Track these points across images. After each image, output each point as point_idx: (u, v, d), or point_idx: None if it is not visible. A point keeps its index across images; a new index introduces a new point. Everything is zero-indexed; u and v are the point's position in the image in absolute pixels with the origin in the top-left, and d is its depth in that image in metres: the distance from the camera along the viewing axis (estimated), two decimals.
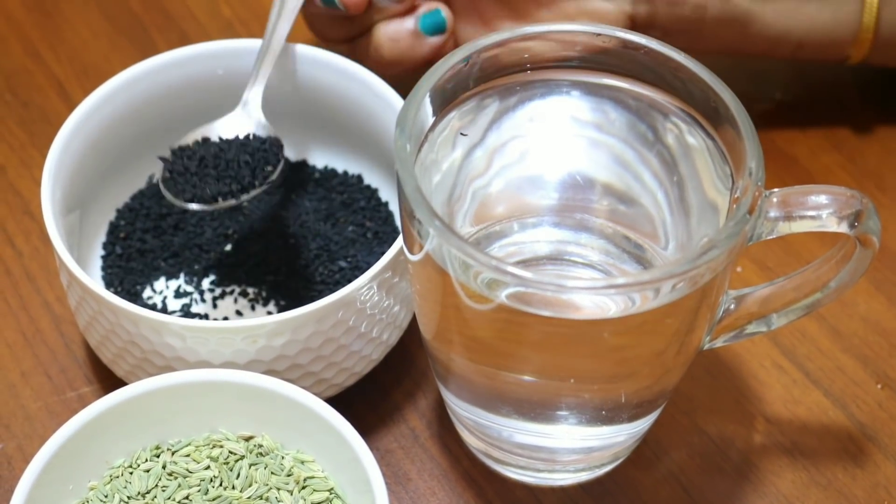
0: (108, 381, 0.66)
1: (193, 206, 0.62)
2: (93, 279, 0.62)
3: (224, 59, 0.68)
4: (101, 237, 0.69)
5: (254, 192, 0.63)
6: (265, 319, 0.59)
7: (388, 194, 0.70)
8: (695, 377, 0.66)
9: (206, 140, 0.64)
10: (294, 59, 0.68)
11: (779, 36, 0.71)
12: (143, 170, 0.70)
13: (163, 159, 0.64)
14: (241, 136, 0.64)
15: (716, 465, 0.64)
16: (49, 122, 0.76)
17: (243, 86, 0.67)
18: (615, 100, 0.60)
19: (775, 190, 0.56)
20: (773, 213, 0.55)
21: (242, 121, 0.65)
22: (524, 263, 0.62)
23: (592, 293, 0.54)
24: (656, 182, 0.61)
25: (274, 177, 0.63)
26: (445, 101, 0.58)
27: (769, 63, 0.78)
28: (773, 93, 0.77)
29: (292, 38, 0.67)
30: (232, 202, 0.62)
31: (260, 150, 0.64)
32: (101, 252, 0.68)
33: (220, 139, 0.64)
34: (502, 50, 0.58)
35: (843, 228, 0.55)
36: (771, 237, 0.56)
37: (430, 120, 0.58)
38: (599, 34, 0.58)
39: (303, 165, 0.71)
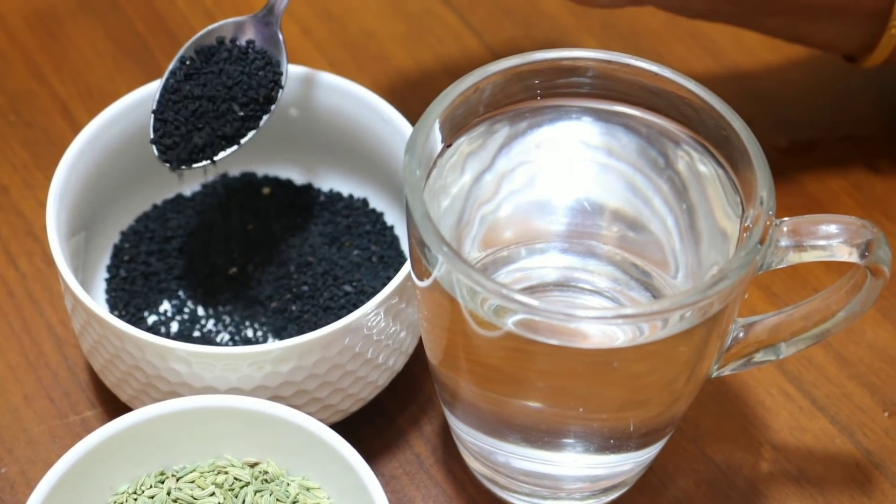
0: (112, 404, 0.66)
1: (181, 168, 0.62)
2: (97, 302, 0.61)
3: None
4: (106, 260, 0.68)
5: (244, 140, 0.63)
6: (272, 346, 0.59)
7: (393, 218, 0.69)
8: (701, 404, 0.66)
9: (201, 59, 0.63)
10: (301, 82, 0.68)
11: None
12: (148, 192, 0.70)
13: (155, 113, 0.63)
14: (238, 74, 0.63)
15: (723, 494, 0.64)
16: (53, 143, 0.75)
17: None
18: (626, 126, 0.60)
19: (785, 219, 0.55)
20: (783, 243, 0.55)
21: (260, 31, 0.64)
22: (532, 290, 0.62)
23: (601, 322, 0.54)
24: (666, 208, 0.60)
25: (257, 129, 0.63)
26: (455, 128, 0.58)
27: (780, 88, 0.78)
28: (781, 117, 0.77)
29: (301, 62, 0.67)
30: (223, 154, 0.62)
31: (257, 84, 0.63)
32: (106, 275, 0.68)
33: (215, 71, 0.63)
34: (512, 76, 0.58)
35: (854, 258, 0.55)
36: (781, 266, 0.56)
37: (440, 146, 0.57)
38: (609, 61, 0.58)
39: (308, 189, 0.70)
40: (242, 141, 0.63)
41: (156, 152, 0.62)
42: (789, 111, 0.77)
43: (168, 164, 0.62)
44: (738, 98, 0.57)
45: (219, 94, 0.62)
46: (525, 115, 0.59)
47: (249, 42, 0.64)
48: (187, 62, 0.63)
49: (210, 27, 0.64)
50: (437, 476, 0.64)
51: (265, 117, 0.63)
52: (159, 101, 0.63)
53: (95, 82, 0.78)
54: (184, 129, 0.62)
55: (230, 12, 0.81)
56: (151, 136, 0.62)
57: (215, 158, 0.62)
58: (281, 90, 0.63)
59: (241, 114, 0.62)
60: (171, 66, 0.63)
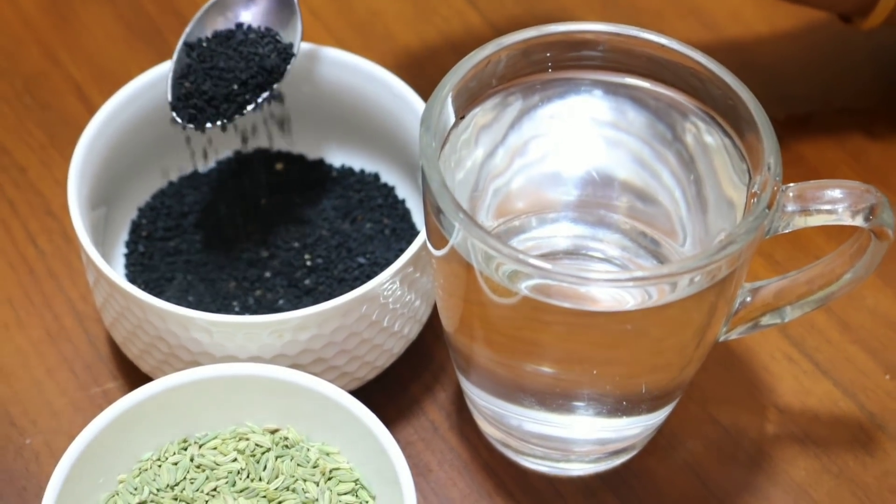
0: (133, 376, 0.66)
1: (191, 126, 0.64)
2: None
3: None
4: (124, 235, 0.69)
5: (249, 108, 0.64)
6: (291, 314, 0.59)
7: (404, 192, 0.70)
8: (708, 369, 0.67)
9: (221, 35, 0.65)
10: (313, 60, 0.68)
11: None
12: (164, 169, 0.70)
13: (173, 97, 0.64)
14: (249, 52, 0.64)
15: (730, 455, 0.65)
16: (68, 124, 0.76)
17: None
18: (634, 99, 0.60)
19: (791, 185, 0.56)
20: (790, 208, 0.56)
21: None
22: (543, 258, 0.62)
23: (613, 285, 0.54)
24: (674, 180, 0.61)
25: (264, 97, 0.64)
26: (468, 100, 0.58)
27: (778, 63, 0.78)
28: (779, 91, 0.78)
29: (310, 39, 0.68)
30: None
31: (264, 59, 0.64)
32: (124, 250, 0.68)
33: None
34: (524, 49, 0.58)
35: (859, 222, 0.56)
36: (787, 231, 0.57)
37: (453, 118, 0.58)
38: (619, 34, 0.58)
39: (320, 164, 0.71)
40: (249, 108, 0.64)
41: (174, 115, 0.63)
42: (787, 85, 0.78)
43: (184, 125, 0.63)
44: (737, 72, 0.58)
45: (235, 66, 0.63)
46: (536, 87, 0.60)
47: (267, 28, 0.65)
48: (204, 43, 0.64)
49: None
50: (451, 441, 0.65)
51: (275, 85, 0.64)
52: (177, 69, 0.64)
53: (108, 64, 0.79)
54: (202, 94, 0.63)
55: None
56: (169, 98, 0.63)
57: (226, 121, 0.64)
58: (294, 57, 0.64)
59: (253, 81, 0.64)
60: (186, 36, 0.65)
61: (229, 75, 0.63)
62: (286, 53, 0.65)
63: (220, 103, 0.63)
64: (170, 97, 0.64)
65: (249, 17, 0.66)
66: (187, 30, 0.65)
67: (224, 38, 0.65)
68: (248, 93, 0.64)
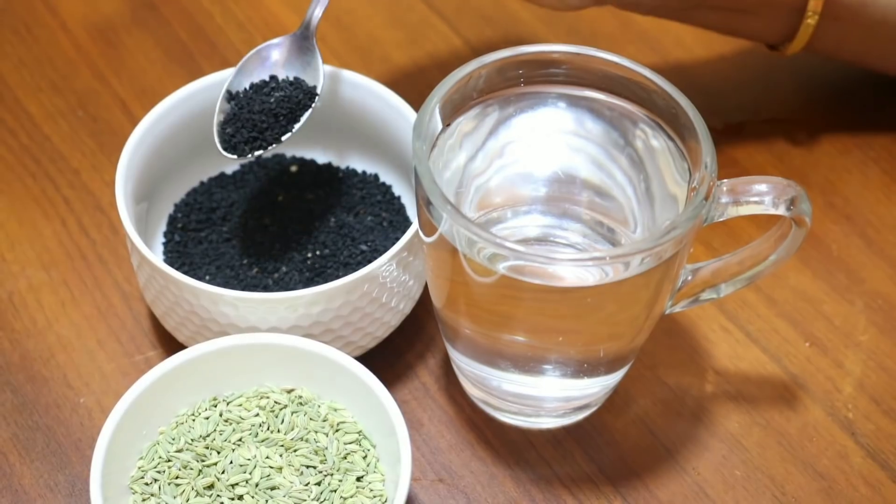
0: (170, 345, 0.66)
1: (230, 156, 0.64)
2: None
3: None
4: (162, 227, 0.69)
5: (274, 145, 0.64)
6: (305, 291, 0.60)
7: (400, 189, 0.70)
8: (656, 338, 0.67)
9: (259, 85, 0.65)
10: (323, 78, 0.68)
11: None
12: (196, 171, 0.70)
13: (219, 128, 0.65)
14: (277, 94, 0.65)
15: (675, 411, 0.65)
16: (115, 133, 0.76)
17: None
18: (592, 110, 0.60)
19: (725, 180, 0.57)
20: (724, 199, 0.56)
21: (298, 44, 0.66)
22: (517, 243, 0.63)
23: (575, 265, 0.55)
24: (626, 178, 0.62)
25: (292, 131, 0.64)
26: (454, 110, 0.59)
27: (715, 81, 0.79)
28: (716, 104, 0.78)
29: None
30: (260, 152, 0.64)
31: (290, 102, 0.64)
32: (163, 240, 0.69)
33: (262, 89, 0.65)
34: (500, 66, 0.58)
35: (781, 211, 0.56)
36: (721, 219, 0.57)
37: (440, 126, 0.58)
38: (580, 54, 0.59)
39: (328, 166, 0.71)
40: (283, 138, 0.64)
41: (221, 150, 0.64)
42: (722, 99, 0.78)
43: (231, 155, 0.64)
44: (680, 89, 0.58)
45: (268, 109, 0.64)
46: (511, 99, 0.60)
47: (295, 77, 0.66)
48: (241, 95, 0.65)
49: (259, 47, 0.66)
50: (440, 400, 0.65)
51: (297, 125, 0.65)
52: (222, 113, 0.65)
53: (148, 83, 0.79)
54: (242, 136, 0.64)
55: (260, 25, 0.81)
56: (217, 141, 0.64)
57: (263, 152, 0.64)
58: (317, 98, 0.65)
59: (283, 118, 0.64)
60: (228, 85, 0.65)
61: (264, 118, 0.64)
62: (311, 94, 0.65)
63: (257, 138, 0.64)
64: (216, 138, 0.64)
65: (281, 66, 0.66)
66: (228, 80, 0.65)
67: (259, 88, 0.65)
68: (279, 127, 0.64)
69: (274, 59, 0.66)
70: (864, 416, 0.64)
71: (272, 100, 0.64)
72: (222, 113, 0.65)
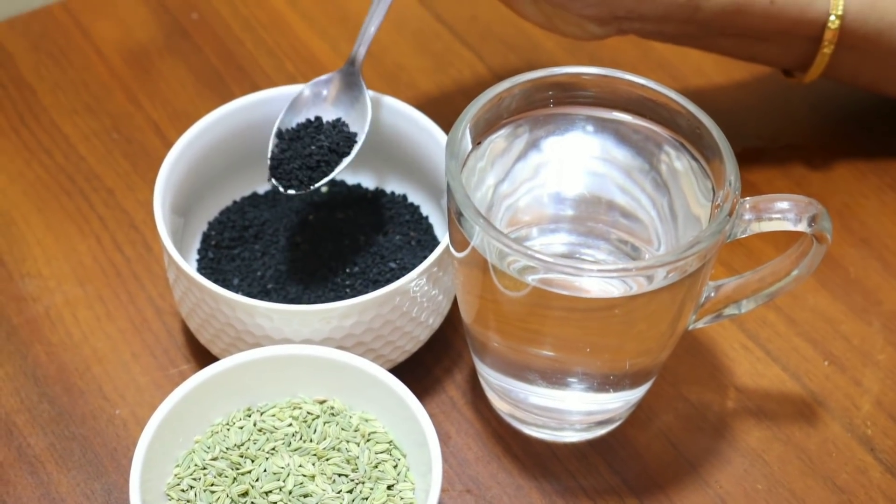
0: (203, 359, 0.68)
1: (291, 192, 0.65)
2: None
3: (289, 101, 0.70)
4: (196, 244, 0.70)
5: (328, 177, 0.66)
6: (338, 304, 0.61)
7: (427, 209, 0.72)
8: (678, 356, 0.68)
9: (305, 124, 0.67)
10: None
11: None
12: (229, 191, 0.72)
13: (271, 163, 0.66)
14: (325, 126, 0.67)
15: (696, 426, 0.66)
16: (148, 155, 0.78)
17: None
18: (619, 133, 0.62)
19: (748, 198, 0.58)
20: (747, 216, 0.58)
21: (346, 80, 0.68)
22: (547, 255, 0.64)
23: (601, 275, 0.56)
24: (650, 201, 0.63)
25: (343, 165, 0.66)
26: (485, 129, 0.60)
27: (734, 108, 0.80)
28: (735, 131, 0.79)
29: None
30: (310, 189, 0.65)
31: (336, 138, 0.66)
32: (197, 256, 0.70)
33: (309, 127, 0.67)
34: (531, 87, 0.60)
35: (803, 227, 0.58)
36: (744, 236, 0.58)
37: (471, 145, 0.60)
38: (607, 76, 0.60)
39: (358, 187, 0.73)
40: (330, 175, 0.66)
41: (275, 183, 0.66)
42: (740, 125, 0.79)
43: (283, 189, 0.66)
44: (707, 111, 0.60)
45: (312, 152, 0.66)
46: (540, 120, 0.61)
47: (337, 119, 0.68)
48: (286, 135, 0.67)
49: (312, 81, 0.68)
50: (467, 414, 0.66)
51: (345, 160, 0.66)
52: (273, 155, 0.66)
53: (180, 106, 0.80)
54: (290, 172, 0.66)
55: (289, 51, 0.83)
56: (268, 177, 0.66)
57: (312, 187, 0.66)
58: (357, 145, 0.67)
59: (325, 160, 0.66)
60: (278, 127, 0.67)
61: (308, 159, 0.65)
62: (352, 140, 0.67)
63: (303, 176, 0.65)
64: (269, 174, 0.66)
65: (330, 103, 0.68)
66: (279, 119, 0.67)
67: (304, 127, 0.67)
68: (323, 167, 0.66)
69: (323, 96, 0.68)
70: (882, 433, 0.66)
71: (314, 147, 0.66)
72: (274, 149, 0.67)
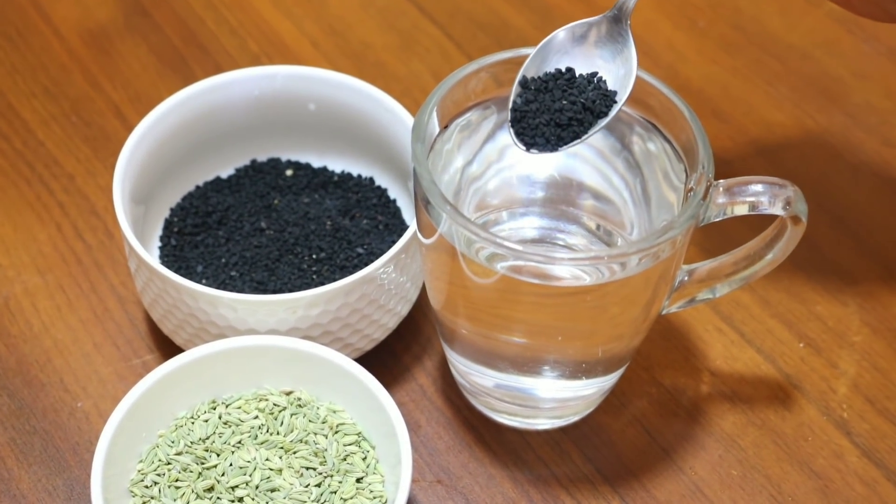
0: (167, 349, 0.67)
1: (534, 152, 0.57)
2: None
3: (255, 82, 0.69)
4: (158, 231, 0.69)
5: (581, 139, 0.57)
6: (304, 293, 0.60)
7: (395, 193, 0.71)
8: (651, 340, 0.67)
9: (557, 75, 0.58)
10: (317, 82, 0.69)
11: None
12: (191, 175, 0.71)
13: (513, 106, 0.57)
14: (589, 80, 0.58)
15: (671, 411, 0.65)
16: (109, 139, 0.76)
17: (275, 106, 0.69)
18: None
19: (721, 181, 0.57)
20: (720, 199, 0.57)
21: (610, 28, 0.58)
22: (516, 243, 0.63)
23: (573, 264, 0.55)
24: (623, 182, 0.62)
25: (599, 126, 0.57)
26: (451, 112, 0.59)
27: (709, 85, 0.79)
28: (710, 109, 0.78)
29: (310, 65, 0.68)
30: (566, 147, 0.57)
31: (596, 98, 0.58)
32: (159, 243, 0.69)
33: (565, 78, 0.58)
34: (499, 68, 0.59)
35: (777, 210, 0.57)
36: (717, 219, 0.57)
37: (438, 128, 0.59)
38: None
39: (324, 170, 0.72)
40: (583, 137, 0.57)
41: (515, 140, 0.57)
42: (714, 102, 0.79)
43: (525, 148, 0.57)
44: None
45: (562, 107, 0.57)
46: (508, 102, 0.60)
47: (592, 74, 0.58)
48: (532, 86, 0.58)
49: (569, 25, 0.59)
50: (437, 402, 0.66)
51: (600, 122, 0.57)
52: (515, 106, 0.58)
53: (141, 88, 0.79)
54: (540, 128, 0.57)
55: (253, 30, 0.82)
56: (510, 127, 0.58)
57: (560, 149, 0.57)
58: (616, 105, 0.57)
59: (576, 119, 0.57)
60: (522, 75, 0.58)
61: (559, 115, 0.57)
62: (610, 100, 0.58)
63: (551, 134, 0.57)
64: (510, 126, 0.57)
65: (583, 55, 0.59)
66: (524, 66, 0.58)
67: (553, 78, 0.58)
68: (574, 126, 0.57)
69: (580, 43, 0.59)
70: (858, 416, 0.65)
71: (565, 101, 0.57)
72: (517, 98, 0.58)
